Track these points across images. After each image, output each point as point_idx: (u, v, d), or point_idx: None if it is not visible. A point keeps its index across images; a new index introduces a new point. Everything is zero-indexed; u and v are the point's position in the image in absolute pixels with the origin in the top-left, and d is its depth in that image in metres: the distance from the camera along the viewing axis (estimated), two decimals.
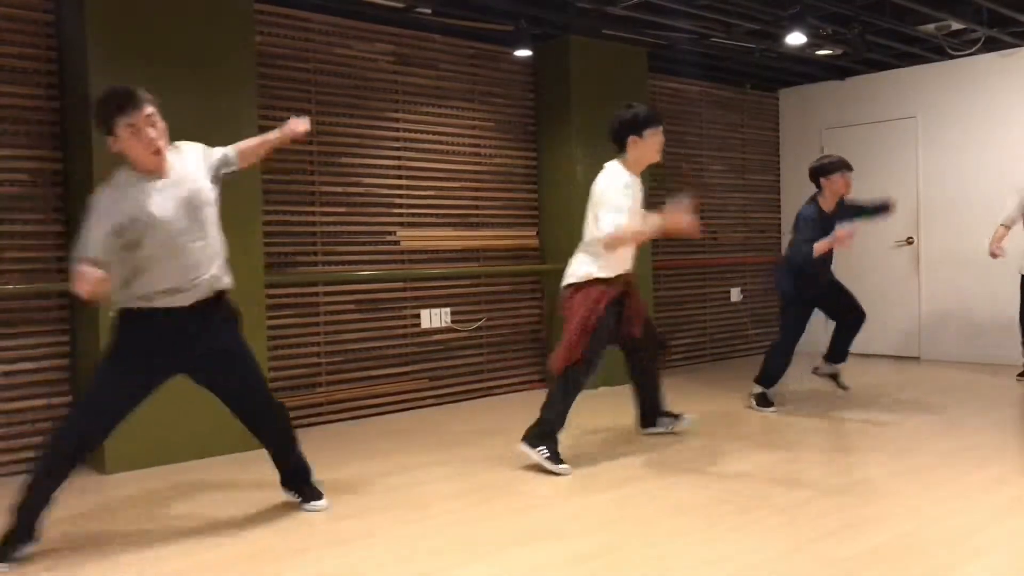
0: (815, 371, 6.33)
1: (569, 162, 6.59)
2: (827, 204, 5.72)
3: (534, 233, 6.84)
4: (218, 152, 3.62)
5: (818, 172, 5.79)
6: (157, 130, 3.33)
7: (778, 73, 8.20)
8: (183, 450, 4.67)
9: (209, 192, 3.51)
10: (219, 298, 3.50)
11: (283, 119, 5.43)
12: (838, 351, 6.10)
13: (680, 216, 4.12)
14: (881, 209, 6.03)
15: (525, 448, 4.40)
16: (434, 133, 6.25)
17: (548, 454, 4.34)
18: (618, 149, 4.59)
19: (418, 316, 6.15)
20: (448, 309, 6.32)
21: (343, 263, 5.77)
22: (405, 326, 6.09)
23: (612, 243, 4.40)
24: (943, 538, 3.24)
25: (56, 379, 4.68)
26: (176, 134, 4.65)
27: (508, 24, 6.08)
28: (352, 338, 5.81)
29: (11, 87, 4.53)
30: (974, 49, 7.13)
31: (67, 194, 4.68)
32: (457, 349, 6.38)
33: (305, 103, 5.59)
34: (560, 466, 4.31)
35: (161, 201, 3.31)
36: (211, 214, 3.50)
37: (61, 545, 3.39)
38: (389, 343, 6.00)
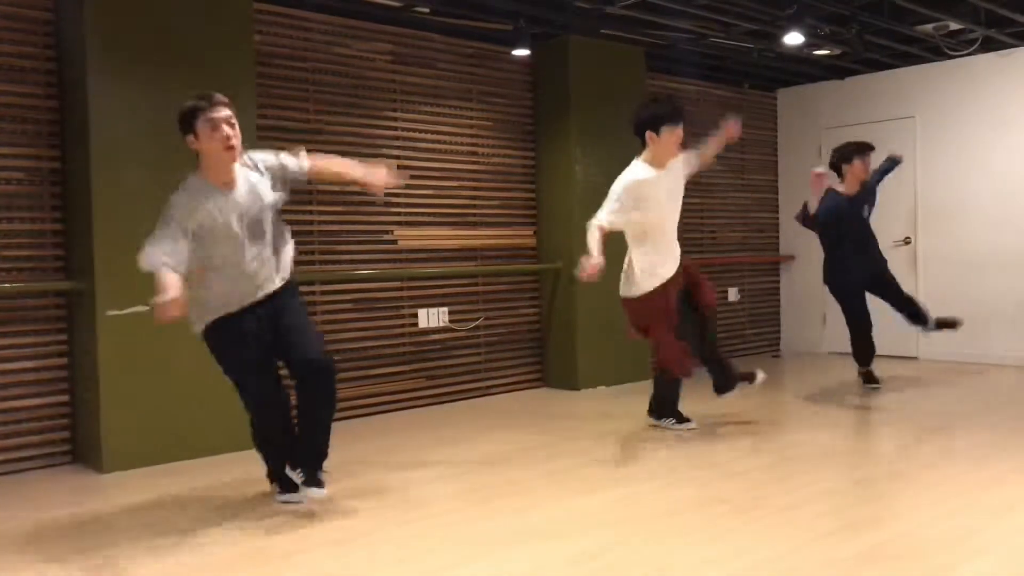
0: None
1: (567, 162, 6.59)
2: (849, 188, 6.04)
3: (532, 232, 6.84)
4: (290, 162, 3.71)
5: (839, 160, 6.11)
6: (235, 129, 3.50)
7: (777, 73, 8.21)
8: (181, 450, 4.66)
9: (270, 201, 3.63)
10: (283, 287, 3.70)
11: (282, 118, 5.48)
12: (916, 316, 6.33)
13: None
14: (891, 165, 6.38)
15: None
16: (432, 132, 6.24)
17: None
18: (640, 144, 4.79)
19: (416, 315, 6.15)
20: (446, 308, 6.31)
21: (341, 262, 5.77)
22: (403, 325, 6.08)
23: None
24: (942, 538, 3.24)
25: (54, 378, 4.67)
26: (173, 133, 4.65)
27: (507, 23, 6.07)
28: (350, 337, 5.81)
29: (10, 85, 4.52)
30: (972, 49, 7.14)
31: (65, 193, 4.66)
32: (455, 348, 6.37)
33: (304, 102, 5.59)
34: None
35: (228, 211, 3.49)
36: (269, 219, 3.63)
37: (59, 545, 3.39)
38: (387, 342, 6.00)
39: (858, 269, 6.07)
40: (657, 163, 4.78)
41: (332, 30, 5.74)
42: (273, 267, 3.65)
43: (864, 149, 6.10)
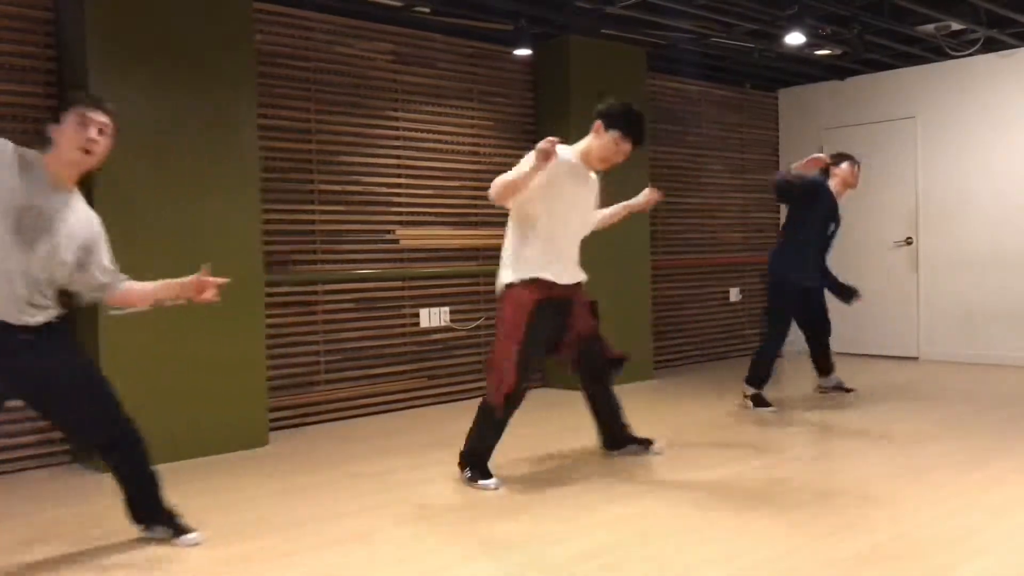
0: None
1: None
2: (836, 189, 5.83)
3: None
4: (102, 257, 3.35)
5: (833, 162, 5.80)
6: (102, 139, 3.14)
7: (777, 73, 8.20)
8: (180, 450, 4.66)
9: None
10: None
11: (283, 118, 5.48)
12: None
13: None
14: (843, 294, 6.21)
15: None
16: (433, 132, 6.24)
17: None
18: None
19: (417, 315, 6.15)
20: (447, 308, 6.31)
21: (342, 262, 5.77)
22: (404, 325, 6.08)
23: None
24: (942, 538, 3.24)
25: None
26: (175, 132, 4.67)
27: (508, 23, 6.07)
28: (351, 337, 5.81)
29: (10, 85, 4.52)
30: (973, 50, 7.13)
31: None
32: (456, 348, 6.37)
33: (304, 102, 5.59)
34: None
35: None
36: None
37: (58, 545, 3.39)
38: (388, 342, 6.00)
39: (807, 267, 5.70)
40: (585, 158, 4.23)
41: (333, 29, 5.74)
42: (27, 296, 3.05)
43: (852, 159, 5.85)
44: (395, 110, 6.04)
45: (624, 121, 4.13)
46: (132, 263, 4.44)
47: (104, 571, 3.11)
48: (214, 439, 4.76)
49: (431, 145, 6.23)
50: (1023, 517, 3.50)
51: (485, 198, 6.49)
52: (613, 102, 4.22)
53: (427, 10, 5.88)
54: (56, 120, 3.10)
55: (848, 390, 6.26)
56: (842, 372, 6.35)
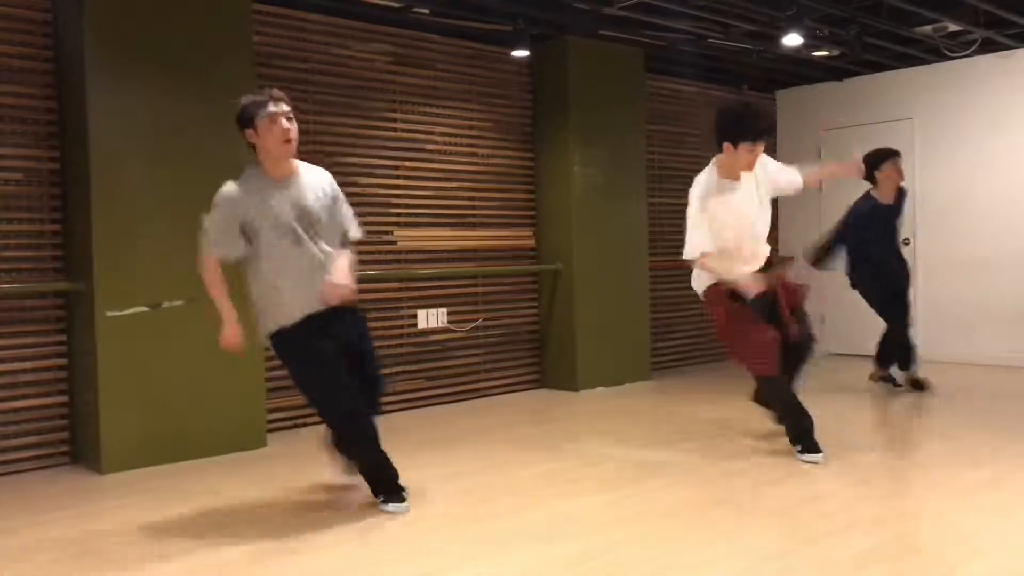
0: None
1: (566, 163, 6.59)
2: (884, 195, 6.02)
3: (531, 234, 6.84)
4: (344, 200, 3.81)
5: (871, 166, 5.82)
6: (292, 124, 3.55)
7: (775, 74, 8.21)
8: (181, 451, 4.66)
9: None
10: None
11: None
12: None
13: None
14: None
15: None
16: (431, 133, 6.24)
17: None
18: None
19: (415, 316, 6.14)
20: (445, 309, 6.31)
21: None
22: (402, 326, 6.08)
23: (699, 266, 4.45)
24: (941, 538, 3.24)
25: (53, 379, 4.66)
26: (173, 133, 4.66)
27: (506, 24, 6.07)
28: None
29: (8, 86, 4.52)
30: (971, 51, 7.14)
31: (64, 194, 4.66)
32: (454, 349, 6.37)
33: (303, 103, 5.58)
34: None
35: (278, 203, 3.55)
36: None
37: (57, 546, 3.38)
38: (386, 343, 5.99)
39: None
40: (725, 173, 4.44)
41: (331, 31, 5.74)
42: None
43: (893, 154, 6.03)
44: (393, 111, 6.04)
45: (744, 127, 4.32)
46: (131, 264, 4.45)
47: (103, 572, 3.11)
48: (212, 440, 4.76)
49: (429, 146, 6.23)
50: (1022, 517, 3.50)
51: (483, 199, 6.55)
52: (721, 114, 4.48)
53: (425, 11, 5.88)
54: (249, 126, 3.52)
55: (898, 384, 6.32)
56: (842, 372, 6.35)
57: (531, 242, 6.83)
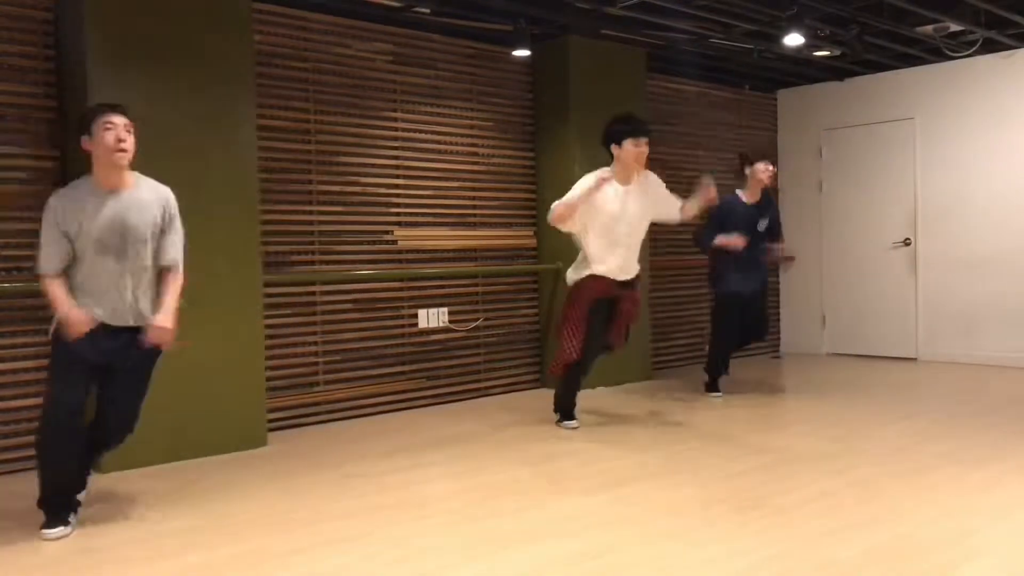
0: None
1: (567, 162, 6.58)
2: (751, 195, 6.09)
3: (532, 233, 6.84)
4: (176, 227, 3.63)
5: (742, 164, 6.16)
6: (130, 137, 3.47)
7: (776, 74, 8.21)
8: (179, 450, 4.66)
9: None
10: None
11: (282, 118, 5.49)
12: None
13: None
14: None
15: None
16: (432, 133, 6.24)
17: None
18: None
19: (415, 316, 6.14)
20: (445, 309, 6.31)
21: (340, 262, 5.77)
22: (402, 326, 6.08)
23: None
24: (940, 539, 3.24)
25: None
26: (174, 132, 4.67)
27: (507, 24, 6.07)
28: (349, 337, 5.80)
29: (10, 85, 4.52)
30: (972, 51, 7.14)
31: None
32: (454, 349, 6.37)
33: (303, 102, 5.59)
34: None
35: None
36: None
37: (55, 545, 3.39)
38: (386, 343, 5.99)
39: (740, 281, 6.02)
40: (620, 176, 5.07)
41: (332, 30, 5.73)
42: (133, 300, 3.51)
43: (766, 155, 6.18)
44: (394, 110, 6.03)
45: (626, 126, 5.04)
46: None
47: (101, 572, 3.11)
48: (213, 439, 4.76)
49: (430, 146, 6.23)
50: (1022, 518, 3.50)
51: (484, 199, 6.55)
52: (607, 124, 5.11)
53: (426, 10, 5.87)
54: (87, 133, 3.45)
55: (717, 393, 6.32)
56: (841, 372, 6.34)
57: (532, 242, 6.83)
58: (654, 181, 5.27)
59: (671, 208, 5.31)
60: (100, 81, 4.44)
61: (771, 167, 6.10)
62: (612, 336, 5.32)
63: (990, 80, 7.48)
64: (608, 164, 5.15)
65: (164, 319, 3.53)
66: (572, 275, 5.24)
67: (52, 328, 3.50)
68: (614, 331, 5.31)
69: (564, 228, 5.05)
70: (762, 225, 6.06)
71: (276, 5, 5.45)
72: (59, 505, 3.52)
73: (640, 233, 5.23)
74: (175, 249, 3.61)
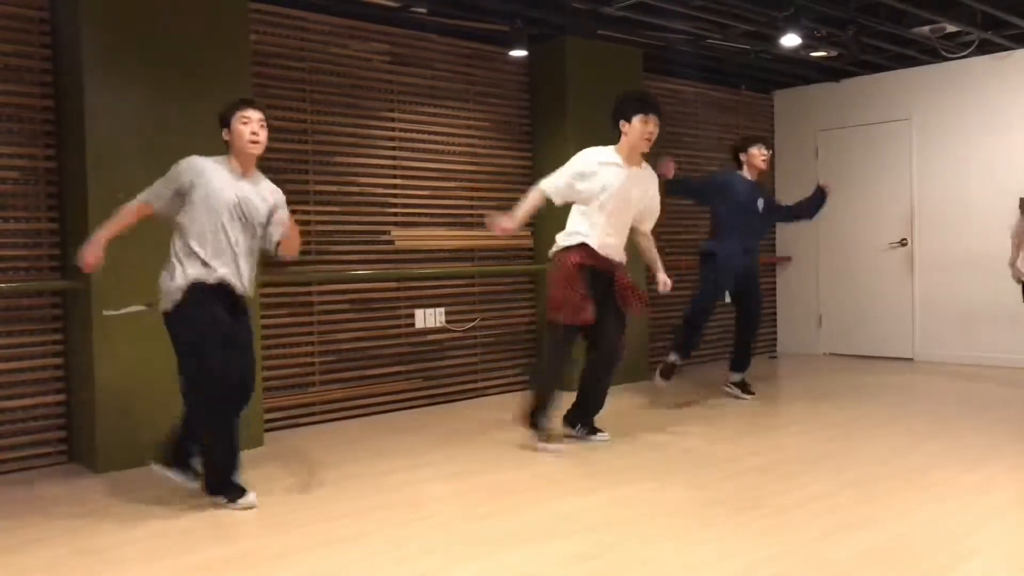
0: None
1: (564, 162, 6.55)
2: (750, 175, 6.07)
3: (529, 233, 6.83)
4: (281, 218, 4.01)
5: (736, 150, 6.10)
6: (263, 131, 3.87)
7: (773, 75, 8.22)
8: None
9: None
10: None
11: (279, 118, 5.48)
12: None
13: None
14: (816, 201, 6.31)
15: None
16: (429, 133, 6.24)
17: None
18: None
19: (412, 316, 6.14)
20: (442, 309, 6.31)
21: (337, 262, 5.76)
22: (399, 326, 6.08)
23: None
24: (937, 539, 3.25)
25: (50, 377, 4.66)
26: (170, 132, 4.65)
27: (504, 24, 6.07)
28: (346, 337, 5.80)
29: (5, 84, 4.51)
30: (968, 52, 7.15)
31: (61, 192, 4.65)
32: (451, 349, 6.37)
33: (300, 102, 5.58)
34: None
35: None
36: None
37: (52, 545, 3.38)
38: (383, 343, 5.99)
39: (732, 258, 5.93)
40: (624, 153, 4.85)
41: (329, 30, 5.73)
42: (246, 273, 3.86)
43: (761, 140, 6.11)
44: (391, 111, 6.03)
45: (638, 103, 4.82)
46: (128, 261, 4.44)
47: (99, 571, 3.10)
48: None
49: (427, 146, 6.23)
50: (1019, 517, 3.51)
51: (481, 199, 6.55)
52: (617, 101, 4.89)
53: (423, 11, 5.87)
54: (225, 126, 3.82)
55: (750, 393, 6.21)
56: (840, 372, 6.35)
57: (529, 242, 6.83)
58: (653, 181, 5.03)
59: (647, 220, 5.04)
60: (96, 80, 4.44)
61: (766, 150, 6.03)
62: (612, 338, 4.84)
63: (986, 81, 7.50)
64: (613, 145, 4.94)
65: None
66: (556, 247, 4.90)
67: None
68: (612, 329, 4.82)
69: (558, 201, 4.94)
70: (760, 204, 6.04)
71: (273, 5, 5.44)
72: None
73: (630, 221, 4.94)
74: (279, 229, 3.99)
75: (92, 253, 3.68)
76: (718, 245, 5.96)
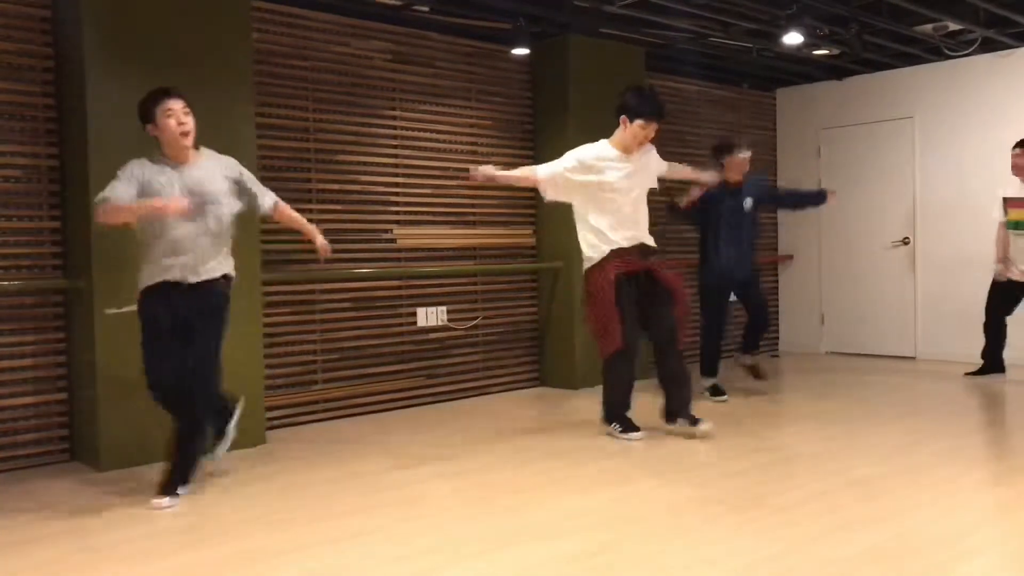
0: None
1: None
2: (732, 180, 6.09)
3: (531, 232, 6.84)
4: (254, 187, 4.09)
5: (717, 155, 6.15)
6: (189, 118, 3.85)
7: (776, 73, 8.21)
8: None
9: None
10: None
11: (281, 116, 5.48)
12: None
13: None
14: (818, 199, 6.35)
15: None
16: (431, 131, 6.24)
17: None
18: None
19: (414, 314, 6.14)
20: (444, 307, 6.31)
21: (340, 261, 5.75)
22: (401, 324, 6.08)
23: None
24: (938, 538, 3.24)
25: (52, 376, 4.66)
26: None
27: (506, 22, 6.07)
28: (348, 336, 5.80)
29: (8, 83, 4.51)
30: (971, 50, 7.14)
31: (63, 191, 4.66)
32: (453, 347, 6.37)
33: (302, 100, 5.58)
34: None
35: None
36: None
37: (55, 542, 3.38)
38: (385, 341, 5.99)
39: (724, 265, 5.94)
40: (620, 147, 4.90)
41: (331, 28, 5.73)
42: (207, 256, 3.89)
43: (737, 144, 6.16)
44: (393, 109, 6.03)
45: (644, 106, 4.81)
46: (130, 262, 4.44)
47: (99, 570, 3.11)
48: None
49: (429, 144, 6.23)
50: (1020, 517, 3.50)
51: (483, 197, 6.54)
52: (625, 93, 4.88)
53: (425, 9, 5.87)
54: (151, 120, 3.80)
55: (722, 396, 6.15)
56: (841, 371, 6.34)
57: (531, 240, 6.83)
58: (655, 157, 5.07)
59: (656, 175, 5.15)
60: (98, 79, 4.44)
61: (747, 152, 6.11)
62: (668, 320, 4.87)
63: (989, 79, 7.48)
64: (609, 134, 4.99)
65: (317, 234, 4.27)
66: (587, 263, 4.91)
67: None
68: (666, 311, 4.87)
69: (552, 196, 5.00)
70: (748, 204, 6.03)
71: (275, 3, 5.44)
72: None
73: (644, 206, 5.02)
74: (266, 195, 4.12)
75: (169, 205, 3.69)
76: (706, 270, 6.00)
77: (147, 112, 3.81)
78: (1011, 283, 6.33)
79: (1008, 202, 6.36)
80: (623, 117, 4.83)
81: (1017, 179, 6.37)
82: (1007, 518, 3.47)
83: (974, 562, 3.00)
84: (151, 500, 3.79)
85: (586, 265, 4.91)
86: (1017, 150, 6.33)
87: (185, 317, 3.83)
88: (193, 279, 3.84)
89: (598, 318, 4.80)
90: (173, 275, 3.81)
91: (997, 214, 6.46)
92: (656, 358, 4.98)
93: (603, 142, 4.92)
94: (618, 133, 4.88)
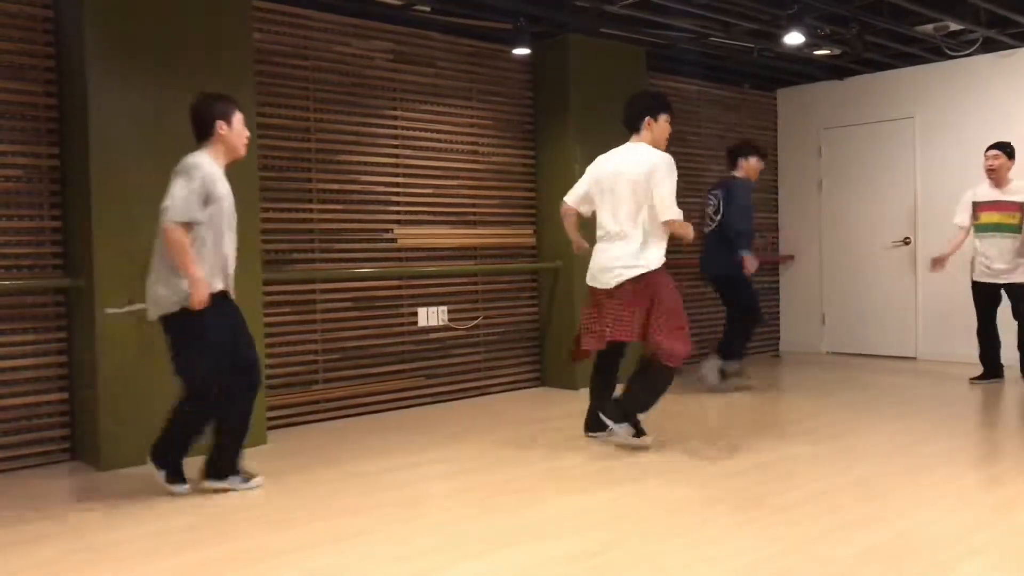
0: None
1: (567, 161, 6.58)
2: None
3: (531, 232, 6.84)
4: None
5: (736, 156, 6.49)
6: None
7: (776, 73, 8.21)
8: None
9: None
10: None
11: (282, 116, 5.49)
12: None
13: None
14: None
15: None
16: (432, 131, 6.24)
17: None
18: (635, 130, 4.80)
19: (415, 314, 6.14)
20: (445, 307, 6.31)
21: (340, 260, 5.76)
22: (402, 324, 6.08)
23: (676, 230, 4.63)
24: (939, 538, 3.24)
25: (53, 375, 4.66)
26: (173, 130, 4.66)
27: (507, 22, 6.07)
28: (349, 336, 5.80)
29: (9, 83, 4.52)
30: (972, 50, 7.14)
31: (64, 190, 4.66)
32: (454, 347, 6.37)
33: (303, 100, 5.59)
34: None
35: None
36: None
37: (55, 542, 3.39)
38: (386, 341, 5.99)
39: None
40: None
41: (332, 28, 5.73)
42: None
43: (760, 150, 6.51)
44: (394, 109, 6.03)
45: (658, 101, 4.81)
46: (131, 261, 4.46)
47: (100, 570, 3.11)
48: (207, 436, 4.75)
49: (430, 144, 6.23)
50: (1020, 517, 3.50)
51: (483, 197, 6.55)
52: (640, 97, 4.87)
53: (426, 9, 5.87)
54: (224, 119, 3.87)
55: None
56: (841, 371, 6.34)
57: (531, 240, 6.83)
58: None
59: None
60: (100, 78, 4.44)
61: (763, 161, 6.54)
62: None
63: (990, 79, 7.48)
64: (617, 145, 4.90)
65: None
66: (654, 260, 4.60)
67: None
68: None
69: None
70: (712, 203, 6.50)
71: (276, 3, 5.44)
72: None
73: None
74: None
75: (204, 292, 3.75)
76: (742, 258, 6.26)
77: (225, 112, 3.87)
78: (986, 283, 6.44)
79: (978, 206, 6.39)
80: (647, 120, 4.71)
81: (988, 181, 6.38)
82: (1007, 518, 3.47)
83: (974, 562, 2.99)
84: (204, 483, 3.99)
85: (653, 267, 4.58)
86: (992, 152, 6.34)
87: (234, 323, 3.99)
88: (231, 292, 4.00)
89: (681, 318, 4.58)
90: (224, 285, 3.92)
91: (960, 219, 6.49)
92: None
93: (644, 147, 4.67)
94: (647, 135, 4.72)
